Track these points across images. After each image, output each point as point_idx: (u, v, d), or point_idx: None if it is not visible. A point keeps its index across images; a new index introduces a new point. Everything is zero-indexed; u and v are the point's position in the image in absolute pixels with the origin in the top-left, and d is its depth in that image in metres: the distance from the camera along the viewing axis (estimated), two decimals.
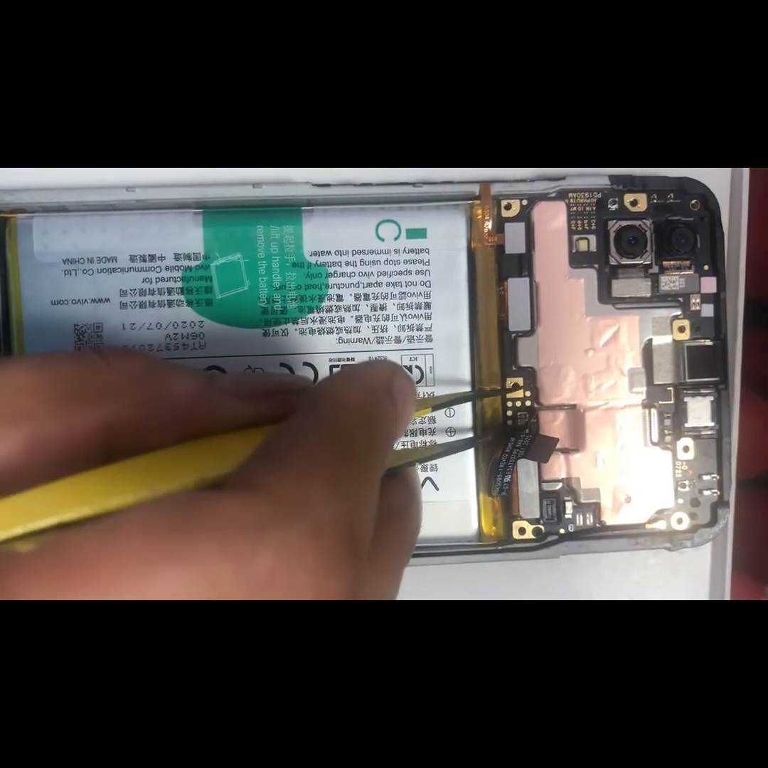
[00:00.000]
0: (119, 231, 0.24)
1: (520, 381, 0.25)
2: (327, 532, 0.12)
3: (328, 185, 0.24)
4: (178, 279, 0.24)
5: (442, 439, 0.25)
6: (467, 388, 0.25)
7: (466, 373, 0.25)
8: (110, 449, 0.15)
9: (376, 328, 0.24)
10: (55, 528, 0.13)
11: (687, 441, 0.25)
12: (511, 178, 0.25)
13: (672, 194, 0.25)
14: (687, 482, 0.25)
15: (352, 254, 0.24)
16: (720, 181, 0.26)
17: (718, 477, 0.25)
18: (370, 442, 0.15)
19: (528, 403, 0.25)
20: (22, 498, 0.13)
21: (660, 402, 0.25)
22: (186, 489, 0.14)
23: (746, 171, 0.26)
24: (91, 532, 0.11)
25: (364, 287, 0.24)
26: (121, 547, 0.11)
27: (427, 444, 0.24)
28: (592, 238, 0.25)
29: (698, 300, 0.25)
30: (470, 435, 0.25)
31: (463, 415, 0.25)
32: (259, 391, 0.16)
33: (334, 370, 0.24)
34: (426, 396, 0.24)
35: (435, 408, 0.24)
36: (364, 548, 0.14)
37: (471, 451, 0.25)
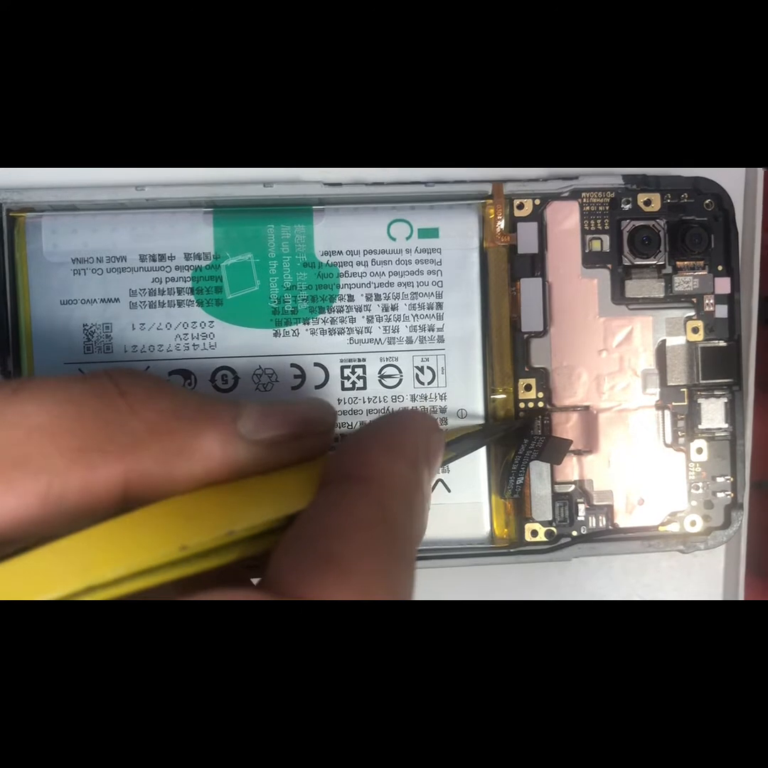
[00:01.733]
0: (129, 230, 0.23)
1: (532, 382, 0.24)
2: None
3: (339, 184, 0.24)
4: (189, 279, 0.24)
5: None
6: (479, 390, 0.24)
7: (478, 373, 0.24)
8: (128, 501, 0.14)
9: (387, 328, 0.24)
10: (86, 590, 0.12)
11: (700, 443, 0.25)
12: (523, 177, 0.25)
13: (686, 194, 0.25)
14: (700, 484, 0.25)
15: (364, 254, 0.24)
16: (734, 181, 0.26)
17: (731, 479, 0.25)
18: (414, 521, 0.14)
19: (541, 404, 0.25)
20: (49, 553, 0.13)
21: (673, 403, 0.25)
22: (216, 543, 0.14)
23: (760, 171, 0.26)
24: None
25: (375, 287, 0.24)
26: None
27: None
28: (606, 238, 0.25)
29: (712, 301, 0.25)
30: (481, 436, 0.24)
31: (475, 416, 0.24)
32: (286, 433, 0.15)
33: (345, 370, 0.24)
34: (436, 400, 0.24)
35: (448, 457, 0.23)
36: None
37: (484, 455, 0.24)
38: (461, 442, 0.23)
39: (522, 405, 0.24)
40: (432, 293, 0.24)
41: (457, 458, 0.22)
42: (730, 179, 0.25)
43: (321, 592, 0.12)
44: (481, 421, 0.24)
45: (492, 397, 0.24)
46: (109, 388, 0.14)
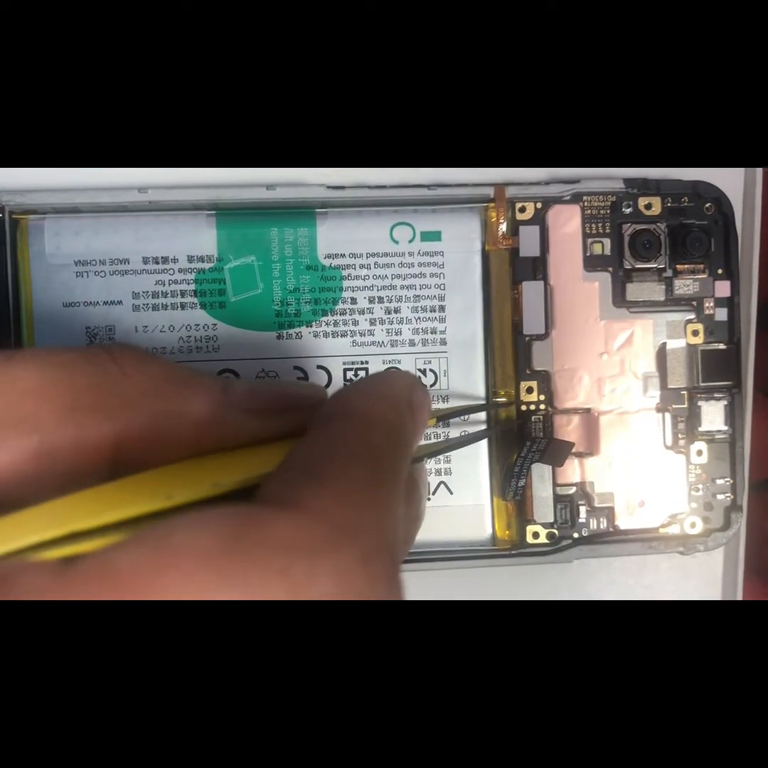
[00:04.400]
0: (132, 232, 0.23)
1: (534, 385, 0.25)
2: (376, 559, 0.12)
3: (342, 187, 0.24)
4: (192, 281, 0.24)
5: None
6: (481, 392, 0.25)
7: (480, 376, 0.25)
8: (118, 462, 0.14)
9: (390, 331, 0.24)
10: (68, 537, 0.12)
11: (700, 445, 0.25)
12: (525, 180, 0.25)
13: (686, 198, 0.25)
14: (700, 486, 0.25)
15: (367, 257, 0.24)
16: (733, 184, 0.26)
17: (731, 481, 0.25)
18: (397, 456, 0.15)
19: (542, 406, 0.25)
20: (34, 508, 0.13)
21: (674, 406, 0.25)
22: (201, 494, 0.14)
23: (759, 172, 0.26)
24: (140, 552, 0.11)
25: (378, 290, 0.24)
26: (174, 571, 0.11)
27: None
28: (607, 241, 0.25)
29: (712, 304, 0.25)
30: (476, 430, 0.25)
31: (477, 419, 0.25)
32: (275, 405, 0.16)
33: (348, 373, 0.24)
34: (438, 401, 0.24)
35: (440, 419, 0.24)
36: (401, 563, 0.14)
37: (485, 457, 0.25)
38: (460, 438, 0.23)
39: (524, 408, 0.25)
40: (434, 296, 0.24)
41: (452, 449, 0.22)
42: (730, 183, 0.26)
43: (300, 498, 0.12)
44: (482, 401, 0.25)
45: (494, 399, 0.25)
46: (100, 354, 0.15)
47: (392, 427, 0.15)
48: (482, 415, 0.25)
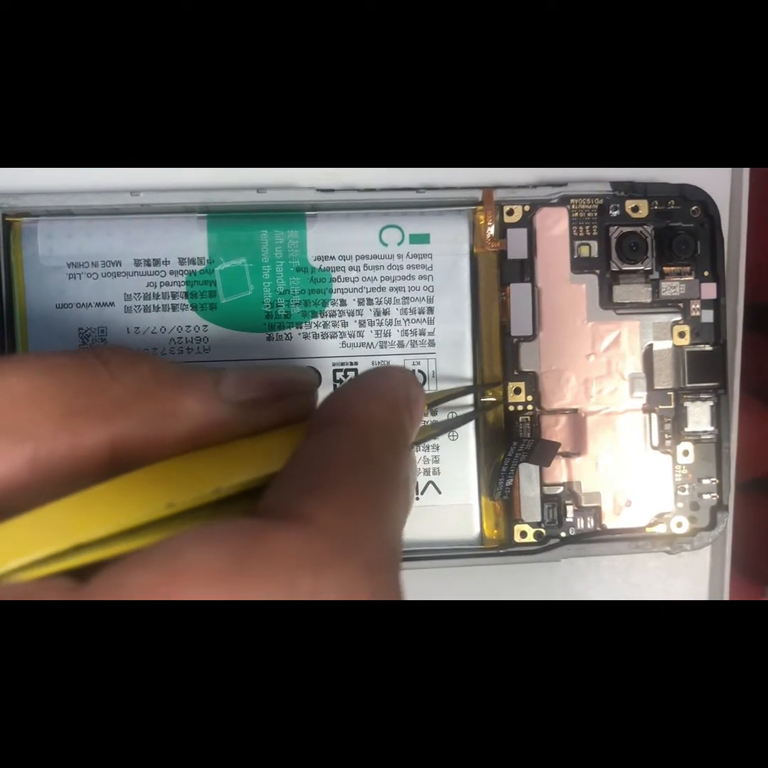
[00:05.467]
0: (124, 235, 0.24)
1: (521, 385, 0.25)
2: (380, 569, 0.12)
3: (331, 190, 0.24)
4: (183, 283, 0.24)
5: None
6: (469, 394, 0.25)
7: (468, 377, 0.25)
8: (114, 465, 0.14)
9: (379, 332, 0.24)
10: (73, 550, 0.12)
11: (687, 445, 0.25)
12: (513, 183, 0.25)
13: (673, 201, 0.25)
14: (687, 486, 0.26)
15: (356, 259, 0.24)
16: (720, 187, 0.26)
17: (717, 481, 0.26)
18: (396, 459, 0.15)
19: (530, 407, 0.25)
20: (34, 517, 0.13)
21: (660, 406, 0.25)
22: (202, 500, 0.14)
23: (746, 174, 0.26)
24: (151, 572, 0.11)
25: (367, 292, 0.24)
26: (185, 590, 0.11)
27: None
28: (594, 243, 0.25)
29: (698, 305, 0.25)
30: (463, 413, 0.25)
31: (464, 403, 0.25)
32: (268, 394, 0.16)
33: (338, 374, 0.24)
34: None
35: (431, 406, 0.24)
36: (400, 564, 0.14)
37: (473, 457, 0.25)
38: (447, 421, 0.23)
39: (511, 408, 0.25)
40: (423, 298, 0.25)
41: (441, 433, 0.22)
42: (716, 186, 0.26)
43: (304, 511, 0.12)
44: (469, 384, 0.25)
45: (482, 400, 0.25)
46: (89, 358, 0.15)
47: (391, 430, 0.15)
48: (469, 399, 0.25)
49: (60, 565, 0.12)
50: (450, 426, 0.24)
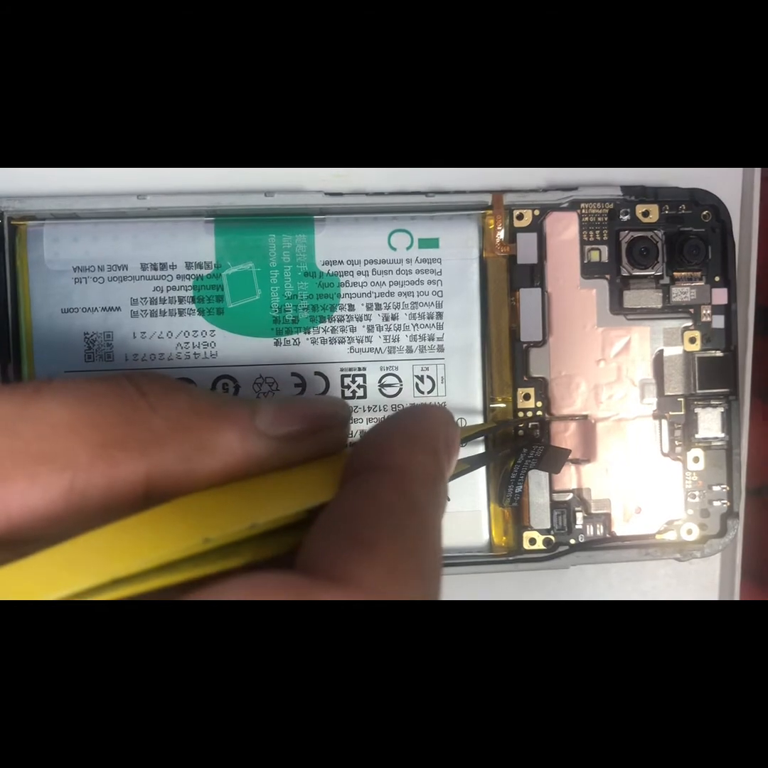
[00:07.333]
0: (130, 239, 0.23)
1: (531, 391, 0.25)
2: None
3: (340, 194, 0.24)
4: (190, 287, 0.24)
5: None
6: (479, 399, 0.25)
7: (477, 383, 0.25)
8: (149, 498, 0.14)
9: (387, 337, 0.24)
10: (110, 584, 0.12)
11: (697, 452, 0.25)
12: (523, 187, 0.25)
13: (683, 205, 0.25)
14: (697, 493, 0.25)
15: (364, 264, 0.24)
16: (731, 191, 0.26)
17: (727, 488, 0.25)
18: (437, 508, 0.15)
19: (539, 413, 0.25)
20: (70, 548, 0.12)
21: (671, 413, 0.25)
22: (238, 536, 0.14)
23: (757, 175, 0.26)
24: None
25: (376, 297, 0.24)
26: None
27: None
28: (604, 248, 0.25)
29: (709, 311, 0.25)
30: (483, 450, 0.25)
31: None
32: (303, 429, 0.15)
33: (345, 379, 0.24)
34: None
35: (464, 441, 0.23)
36: None
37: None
38: (472, 457, 0.23)
39: (521, 414, 0.25)
40: (432, 303, 0.24)
41: (473, 469, 0.22)
42: (727, 190, 0.26)
43: (351, 572, 0.12)
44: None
45: (491, 405, 0.25)
46: (128, 388, 0.14)
47: (432, 477, 0.15)
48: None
49: (98, 598, 0.12)
50: (481, 462, 0.23)
